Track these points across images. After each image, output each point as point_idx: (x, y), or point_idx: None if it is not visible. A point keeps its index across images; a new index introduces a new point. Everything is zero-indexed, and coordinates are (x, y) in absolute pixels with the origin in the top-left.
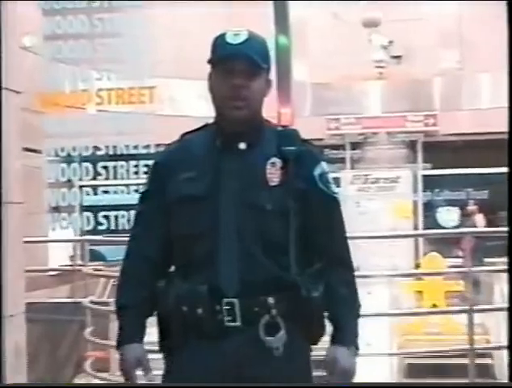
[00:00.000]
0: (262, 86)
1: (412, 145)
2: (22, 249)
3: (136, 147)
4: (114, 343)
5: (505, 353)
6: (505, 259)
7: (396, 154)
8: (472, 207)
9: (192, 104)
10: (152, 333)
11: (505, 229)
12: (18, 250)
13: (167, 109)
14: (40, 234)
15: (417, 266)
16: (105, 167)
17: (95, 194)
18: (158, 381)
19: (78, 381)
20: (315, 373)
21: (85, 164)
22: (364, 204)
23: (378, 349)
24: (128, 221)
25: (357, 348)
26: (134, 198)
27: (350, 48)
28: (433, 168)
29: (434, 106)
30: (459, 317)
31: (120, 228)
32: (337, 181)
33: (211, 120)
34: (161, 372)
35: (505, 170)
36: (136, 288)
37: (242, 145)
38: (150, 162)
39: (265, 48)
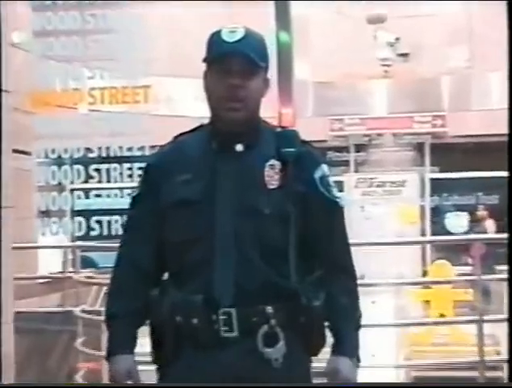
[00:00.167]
0: (259, 85)
1: (419, 147)
2: (11, 255)
3: (130, 149)
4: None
5: None
6: None
7: (403, 157)
8: (482, 212)
9: (189, 104)
10: (144, 344)
11: None
12: (7, 256)
13: (163, 109)
14: (30, 239)
15: (425, 274)
16: (97, 170)
17: (87, 198)
18: None
19: None
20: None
21: (76, 166)
22: (369, 208)
23: (383, 361)
24: (122, 225)
25: (358, 360)
26: (128, 202)
27: (354, 46)
28: (441, 171)
29: (442, 106)
30: (468, 327)
31: (113, 233)
32: (340, 184)
33: (208, 120)
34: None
35: None
36: (127, 297)
37: (239, 147)
38: (145, 165)
39: (263, 45)
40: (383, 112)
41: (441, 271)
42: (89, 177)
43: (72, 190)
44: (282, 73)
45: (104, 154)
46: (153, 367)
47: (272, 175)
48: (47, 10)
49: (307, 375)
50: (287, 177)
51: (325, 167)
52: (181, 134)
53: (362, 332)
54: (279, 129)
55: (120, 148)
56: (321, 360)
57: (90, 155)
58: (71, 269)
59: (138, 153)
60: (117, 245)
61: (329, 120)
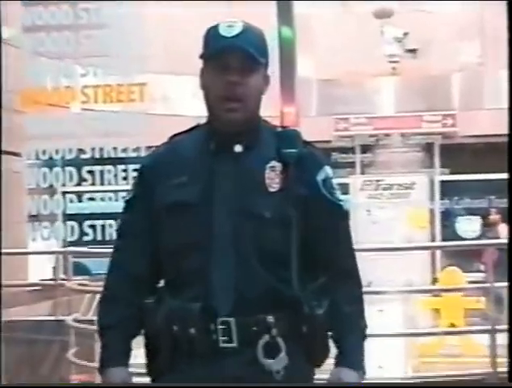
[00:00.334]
0: (259, 82)
1: (428, 147)
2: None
3: (124, 150)
4: None
5: None
6: None
7: (411, 158)
8: (494, 216)
9: (187, 103)
10: (138, 355)
11: None
12: None
13: (159, 108)
14: (19, 245)
15: (434, 281)
16: (91, 172)
17: (80, 201)
18: None
19: None
20: None
21: (68, 168)
22: (376, 212)
23: (390, 372)
24: (116, 231)
25: (364, 372)
26: (122, 206)
27: (360, 42)
28: (451, 173)
29: (452, 105)
30: (480, 337)
31: (107, 239)
32: (346, 187)
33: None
34: None
35: None
36: (121, 306)
37: (238, 148)
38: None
39: (262, 40)
40: (390, 111)
41: (451, 278)
42: (82, 179)
43: (64, 193)
44: (284, 71)
45: (98, 155)
46: (148, 379)
47: (273, 177)
48: (37, 5)
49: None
50: (288, 179)
51: (328, 169)
52: (177, 134)
53: (368, 342)
54: (279, 129)
55: (115, 149)
56: (324, 372)
57: (83, 156)
58: (63, 276)
59: (133, 155)
60: (111, 251)
61: (334, 120)
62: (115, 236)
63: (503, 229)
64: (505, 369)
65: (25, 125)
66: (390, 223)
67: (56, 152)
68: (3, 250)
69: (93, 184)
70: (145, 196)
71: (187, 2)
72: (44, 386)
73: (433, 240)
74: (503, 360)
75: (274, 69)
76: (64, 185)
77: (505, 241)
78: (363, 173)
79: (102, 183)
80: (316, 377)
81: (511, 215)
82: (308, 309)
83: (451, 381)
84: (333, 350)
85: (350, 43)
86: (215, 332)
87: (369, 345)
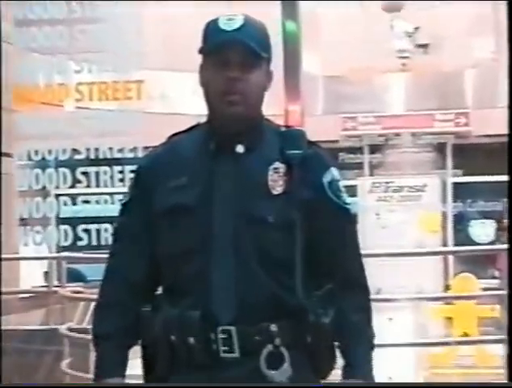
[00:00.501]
0: (261, 78)
1: (440, 147)
2: None
3: (121, 150)
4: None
5: None
6: None
7: (422, 159)
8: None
9: (186, 100)
10: (135, 366)
11: None
12: None
13: (157, 106)
14: (10, 250)
15: (447, 288)
16: (85, 173)
17: (74, 204)
18: None
19: None
20: None
21: (62, 170)
22: (385, 216)
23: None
24: (112, 235)
25: None
26: (119, 209)
27: (368, 36)
28: (464, 175)
29: (465, 103)
30: (494, 347)
31: (103, 243)
32: (353, 189)
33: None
34: None
35: None
36: (117, 314)
37: (240, 148)
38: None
39: (264, 34)
40: (400, 109)
41: (465, 285)
42: (76, 181)
43: (57, 195)
44: (288, 67)
45: (93, 156)
46: None
47: (276, 179)
48: None
49: None
50: (292, 181)
51: (334, 171)
52: (176, 134)
53: (376, 352)
54: (283, 129)
55: (111, 149)
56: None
57: (78, 157)
58: (56, 283)
59: (130, 155)
60: (107, 256)
61: (341, 119)
62: (110, 241)
63: None
64: None
65: (16, 124)
66: (400, 227)
67: (49, 152)
68: None
69: (88, 186)
70: (143, 199)
71: (187, 3)
72: (43, 386)
73: (445, 245)
74: None
75: (277, 65)
76: (57, 187)
77: None
78: (371, 174)
79: (97, 185)
80: None
81: (511, 215)
82: (314, 318)
83: (451, 382)
84: (340, 361)
85: (358, 38)
86: (215, 342)
87: (378, 355)
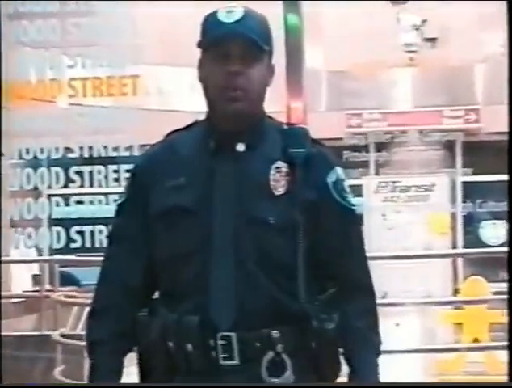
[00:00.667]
0: (263, 73)
1: (449, 145)
2: None
3: (116, 149)
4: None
5: None
6: None
7: (430, 157)
8: None
9: (184, 97)
10: (131, 373)
11: None
12: None
13: (154, 102)
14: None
15: (456, 292)
16: (79, 173)
17: (67, 205)
18: None
19: None
20: None
21: (54, 169)
22: (392, 216)
23: None
24: (107, 237)
25: None
26: (114, 210)
27: (374, 30)
28: (474, 173)
29: (475, 98)
30: (505, 354)
31: (97, 246)
32: (358, 189)
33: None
34: None
35: None
36: (112, 319)
37: (240, 147)
38: (132, 167)
39: (266, 26)
40: (407, 106)
41: (475, 288)
42: (69, 181)
43: (49, 196)
44: (291, 62)
45: (87, 155)
46: None
47: (278, 178)
48: None
49: None
50: (295, 181)
51: (339, 170)
52: (173, 131)
53: (383, 359)
54: (286, 126)
55: (105, 147)
56: None
57: (71, 156)
58: (48, 287)
59: (125, 154)
60: (101, 259)
61: (346, 115)
62: (105, 243)
63: None
64: None
65: (7, 122)
66: (407, 228)
67: (41, 151)
68: None
69: (81, 186)
70: (139, 200)
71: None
72: (43, 386)
73: (454, 247)
74: None
75: (279, 60)
76: (49, 187)
77: None
78: (377, 173)
79: (91, 185)
80: None
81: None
82: (317, 324)
83: (451, 382)
84: (345, 368)
85: (363, 31)
86: (214, 348)
87: (384, 362)
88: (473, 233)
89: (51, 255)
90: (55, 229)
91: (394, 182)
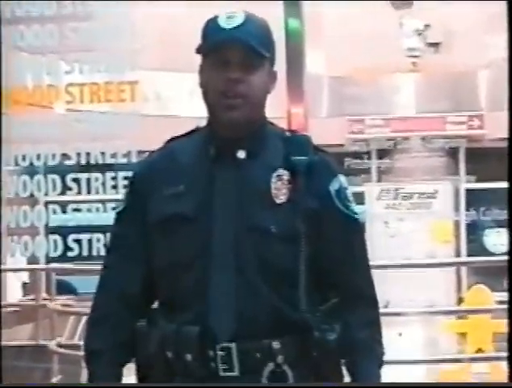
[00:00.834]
0: (263, 79)
1: (452, 152)
2: None
3: (114, 155)
4: None
5: None
6: None
7: (434, 164)
8: None
9: (184, 102)
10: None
11: None
12: None
13: (152, 108)
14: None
15: (460, 301)
16: (76, 180)
17: (64, 212)
18: None
19: None
20: None
21: (51, 176)
22: (394, 224)
23: None
24: (105, 245)
25: None
26: (112, 218)
27: (376, 35)
28: (478, 181)
29: (479, 104)
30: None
31: (94, 254)
32: (360, 196)
33: (205, 122)
34: None
35: None
36: (110, 330)
37: (241, 154)
38: (131, 174)
39: (267, 32)
40: (410, 112)
41: (479, 297)
42: (66, 188)
43: (46, 203)
44: (291, 66)
45: (84, 161)
46: None
47: (280, 187)
48: None
49: None
50: (297, 190)
51: (342, 178)
52: (173, 138)
53: (385, 369)
54: (288, 133)
55: (103, 154)
56: None
57: (68, 162)
58: (45, 296)
59: (123, 160)
60: (99, 268)
61: (347, 121)
62: (102, 251)
63: None
64: None
65: (3, 128)
66: (410, 236)
67: (38, 157)
68: None
69: (78, 193)
70: (138, 207)
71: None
72: (43, 386)
73: (458, 255)
74: None
75: (280, 65)
76: (46, 194)
77: None
78: (379, 181)
79: (88, 192)
80: None
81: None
82: (319, 334)
83: (451, 382)
84: (347, 380)
85: (364, 36)
86: (214, 359)
87: (386, 373)
88: (477, 241)
89: (48, 263)
90: (52, 237)
91: (396, 189)
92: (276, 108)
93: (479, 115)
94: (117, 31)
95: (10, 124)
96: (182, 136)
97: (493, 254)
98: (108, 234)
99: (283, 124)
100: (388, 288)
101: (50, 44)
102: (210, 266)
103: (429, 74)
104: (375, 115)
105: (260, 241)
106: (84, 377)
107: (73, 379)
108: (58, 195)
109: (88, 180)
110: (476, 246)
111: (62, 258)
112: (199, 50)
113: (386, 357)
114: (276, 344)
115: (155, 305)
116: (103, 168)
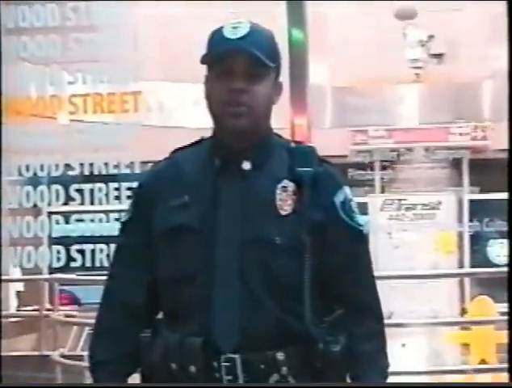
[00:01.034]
0: (268, 90)
1: (456, 163)
2: None
3: (117, 166)
4: None
5: None
6: None
7: (437, 175)
8: None
9: (187, 113)
10: None
11: None
12: None
13: (156, 119)
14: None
15: (463, 312)
16: (79, 190)
17: (67, 223)
18: None
19: None
20: None
21: (54, 186)
22: (398, 235)
23: None
24: (108, 256)
25: None
26: (115, 228)
27: (379, 45)
28: (482, 192)
29: (483, 115)
30: None
31: (98, 265)
32: (364, 207)
33: (209, 132)
34: None
35: None
36: (115, 340)
37: (246, 165)
38: (134, 185)
39: (272, 42)
40: (413, 123)
41: (482, 309)
42: (69, 198)
43: (49, 214)
44: (295, 77)
45: (87, 172)
46: None
47: (285, 198)
48: (20, 4)
49: None
50: (302, 201)
51: (347, 190)
52: (178, 149)
53: (389, 381)
54: (293, 145)
55: (106, 164)
56: None
57: (71, 173)
58: (48, 306)
59: (126, 171)
60: (102, 278)
61: (351, 132)
62: (105, 262)
63: None
64: None
65: (6, 138)
66: (413, 247)
67: (41, 168)
68: None
69: (82, 204)
70: (143, 218)
71: (188, 2)
72: (43, 386)
73: (461, 266)
74: None
75: (283, 75)
76: (49, 205)
77: None
78: (382, 192)
79: (91, 203)
80: None
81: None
82: (323, 346)
83: (451, 382)
84: None
85: (368, 47)
86: (218, 370)
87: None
88: (480, 252)
89: (51, 273)
90: (55, 247)
91: (400, 200)
92: (279, 119)
93: (482, 127)
94: (120, 42)
95: (14, 135)
96: (187, 146)
97: (496, 265)
98: (111, 245)
99: (286, 135)
100: (391, 299)
101: (53, 54)
102: (214, 277)
103: (432, 85)
104: (379, 126)
105: (264, 252)
106: None
107: None
108: (61, 205)
109: (91, 191)
110: (479, 257)
111: (65, 268)
112: (203, 60)
113: (389, 368)
114: (280, 355)
115: (159, 315)
116: (106, 179)
